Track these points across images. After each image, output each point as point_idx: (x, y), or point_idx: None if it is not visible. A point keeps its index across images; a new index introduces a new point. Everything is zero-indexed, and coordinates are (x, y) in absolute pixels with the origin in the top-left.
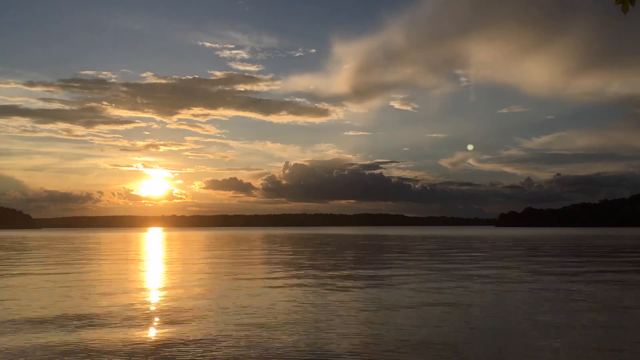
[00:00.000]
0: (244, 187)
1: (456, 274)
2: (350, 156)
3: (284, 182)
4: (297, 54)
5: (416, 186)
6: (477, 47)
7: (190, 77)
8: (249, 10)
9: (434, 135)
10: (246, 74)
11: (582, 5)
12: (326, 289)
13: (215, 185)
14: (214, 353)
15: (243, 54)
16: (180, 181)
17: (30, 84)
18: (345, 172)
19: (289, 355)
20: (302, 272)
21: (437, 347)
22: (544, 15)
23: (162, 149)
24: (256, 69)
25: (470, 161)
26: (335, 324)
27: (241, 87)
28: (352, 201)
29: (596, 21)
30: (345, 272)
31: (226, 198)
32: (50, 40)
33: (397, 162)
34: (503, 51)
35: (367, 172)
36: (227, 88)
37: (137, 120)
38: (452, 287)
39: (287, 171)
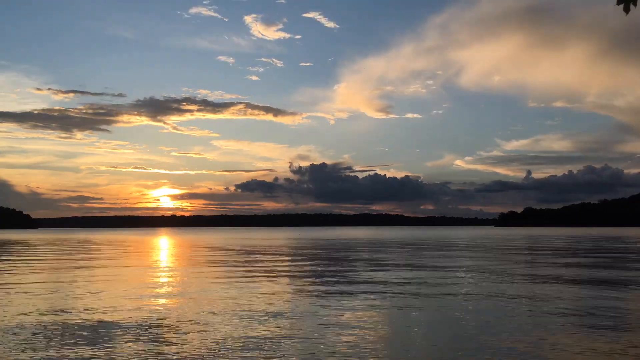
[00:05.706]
0: (243, 187)
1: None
2: (350, 157)
3: (283, 184)
4: (298, 65)
5: (416, 187)
6: (469, 59)
7: (188, 80)
8: (246, 18)
9: (429, 137)
10: (246, 79)
11: (573, 20)
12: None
13: (215, 185)
14: None
15: (242, 59)
16: (179, 181)
17: (36, 89)
18: (346, 174)
19: None
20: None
21: None
22: (538, 27)
23: (161, 149)
24: (255, 77)
25: (460, 162)
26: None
27: (242, 93)
28: (354, 202)
29: (588, 34)
30: None
31: (226, 198)
32: (52, 47)
33: (397, 163)
34: (494, 61)
35: (367, 174)
36: (227, 92)
37: (135, 122)
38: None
39: (284, 173)
